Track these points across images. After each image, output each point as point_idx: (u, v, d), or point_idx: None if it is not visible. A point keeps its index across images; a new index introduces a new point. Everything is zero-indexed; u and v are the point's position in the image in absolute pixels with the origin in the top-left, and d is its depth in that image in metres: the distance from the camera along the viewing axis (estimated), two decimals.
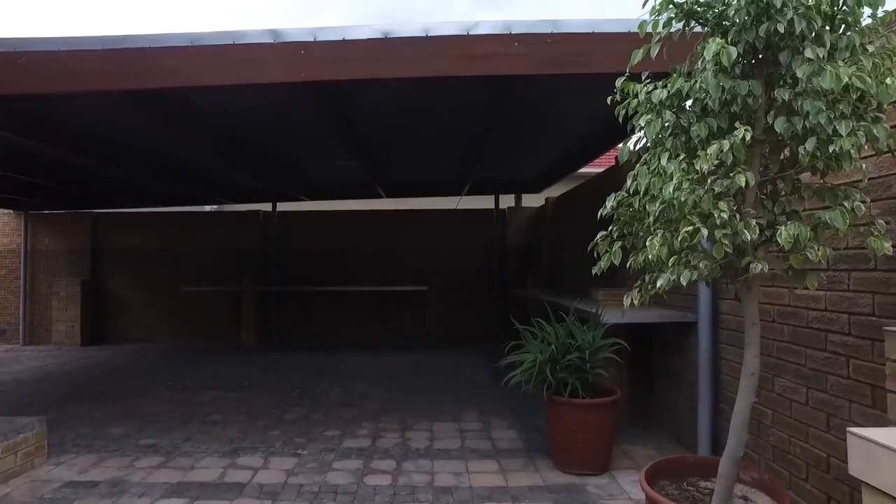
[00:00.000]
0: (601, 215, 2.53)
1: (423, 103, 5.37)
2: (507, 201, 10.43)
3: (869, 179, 2.36)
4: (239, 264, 10.29)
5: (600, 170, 7.38)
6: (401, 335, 10.13)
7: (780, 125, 2.00)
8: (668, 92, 2.19)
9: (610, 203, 2.47)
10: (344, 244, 10.30)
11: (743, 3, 2.01)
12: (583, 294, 5.64)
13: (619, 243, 2.43)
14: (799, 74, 1.92)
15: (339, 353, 8.84)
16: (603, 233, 2.50)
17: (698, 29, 2.33)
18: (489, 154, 7.25)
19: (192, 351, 9.27)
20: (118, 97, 4.58)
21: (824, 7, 1.98)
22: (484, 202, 10.57)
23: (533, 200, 10.43)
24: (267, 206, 10.45)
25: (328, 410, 5.47)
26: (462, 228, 10.20)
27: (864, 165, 2.13)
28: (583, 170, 8.62)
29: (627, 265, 2.45)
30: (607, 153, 7.57)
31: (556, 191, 9.36)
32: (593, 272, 2.47)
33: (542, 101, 5.24)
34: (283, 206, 10.52)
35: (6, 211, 10.73)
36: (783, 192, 2.22)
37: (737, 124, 2.00)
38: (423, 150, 7.36)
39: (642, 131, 2.28)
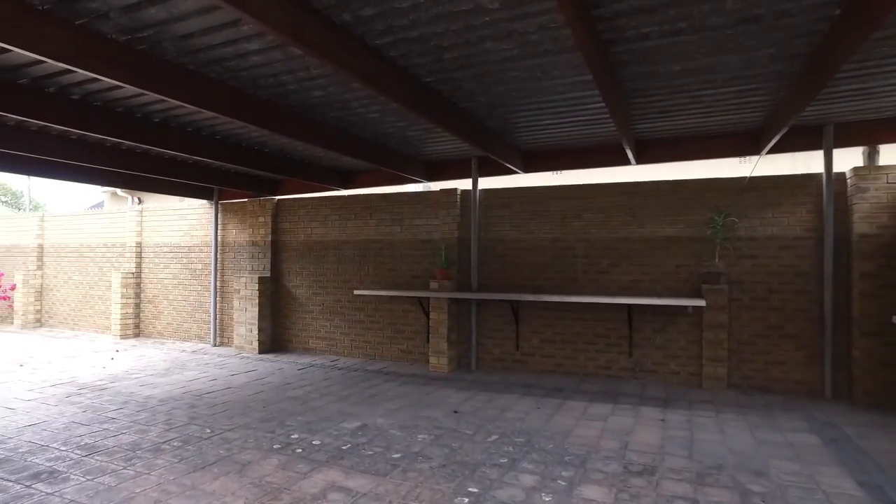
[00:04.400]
0: None
1: None
2: (843, 160, 6.44)
3: None
4: (429, 261, 8.11)
5: None
6: (659, 374, 6.85)
7: None
8: None
9: None
10: (572, 234, 7.40)
11: None
12: None
13: None
14: None
15: (561, 401, 5.97)
16: None
17: None
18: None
19: (364, 375, 7.29)
20: None
21: None
22: (788, 164, 6.71)
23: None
24: (465, 183, 8.08)
25: None
26: (760, 207, 6.50)
27: None
28: None
29: None
30: None
31: None
32: None
33: None
34: (486, 182, 8.03)
35: (202, 202, 10.26)
36: None
37: None
38: (706, 76, 4.14)
39: None
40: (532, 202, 7.64)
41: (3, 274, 12.92)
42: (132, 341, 10.29)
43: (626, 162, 7.02)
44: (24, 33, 3.24)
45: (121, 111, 5.41)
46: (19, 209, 39.09)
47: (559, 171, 11.79)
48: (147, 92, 4.15)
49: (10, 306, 12.85)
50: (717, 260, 6.53)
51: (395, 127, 6.19)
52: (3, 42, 3.17)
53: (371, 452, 4.32)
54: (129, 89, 4.77)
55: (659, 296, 6.75)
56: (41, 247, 12.69)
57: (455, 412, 5.49)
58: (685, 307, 6.60)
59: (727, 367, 6.43)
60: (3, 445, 4.53)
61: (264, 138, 6.68)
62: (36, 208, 39.33)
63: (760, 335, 6.41)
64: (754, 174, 6.55)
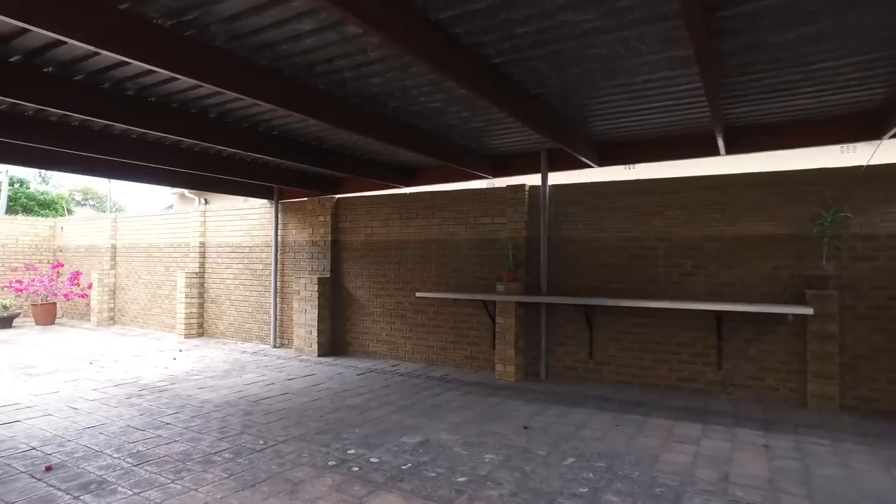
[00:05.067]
0: None
1: None
2: None
3: None
4: (495, 262, 7.65)
5: None
6: (753, 389, 6.12)
7: None
8: None
9: None
10: (652, 232, 6.76)
11: None
12: None
13: None
14: None
15: (642, 418, 5.38)
16: None
17: None
18: None
19: (426, 383, 6.92)
20: None
21: None
22: None
23: None
24: (532, 179, 7.58)
25: None
26: (882, 201, 5.66)
27: None
28: None
29: None
30: None
31: None
32: None
33: None
34: (555, 178, 7.50)
35: (263, 201, 10.23)
36: None
37: None
38: (827, 44, 3.48)
39: None
40: (607, 198, 7.05)
41: (81, 273, 13.47)
42: (195, 341, 10.39)
43: (713, 152, 6.34)
44: (66, 19, 3.04)
45: (175, 106, 5.27)
46: (104, 212, 41.45)
47: (631, 166, 11.14)
48: (202, 84, 3.93)
49: (88, 304, 13.36)
50: (824, 262, 5.75)
51: (458, 118, 5.79)
52: (44, 28, 2.98)
53: (433, 474, 3.92)
54: (182, 82, 4.60)
55: (752, 301, 6.02)
56: (114, 247, 13.12)
57: (525, 428, 5.02)
58: (784, 315, 5.85)
59: (839, 386, 5.63)
60: (62, 449, 4.44)
61: (322, 133, 6.43)
62: (118, 210, 41.58)
63: (883, 350, 5.57)
64: (871, 162, 5.73)
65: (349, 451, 4.37)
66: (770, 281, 6.09)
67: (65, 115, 5.42)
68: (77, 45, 3.39)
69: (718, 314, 6.10)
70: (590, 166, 7.05)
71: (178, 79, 4.40)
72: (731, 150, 6.24)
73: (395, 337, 8.58)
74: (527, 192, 7.55)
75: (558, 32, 3.75)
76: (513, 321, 7.17)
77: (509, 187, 7.64)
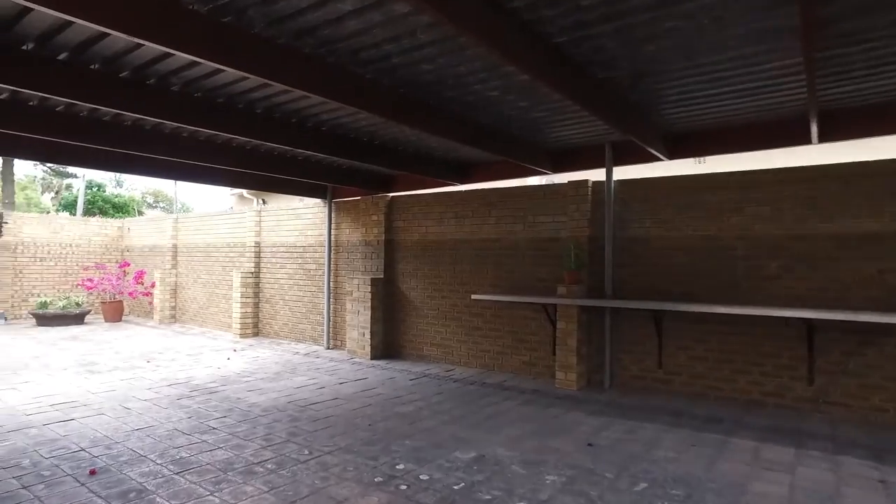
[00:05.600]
0: None
1: None
2: None
3: None
4: (555, 262, 7.22)
5: None
6: (854, 409, 5.44)
7: None
8: None
9: None
10: (730, 231, 6.16)
11: None
12: None
13: None
14: None
15: (722, 437, 4.83)
16: None
17: None
18: None
19: (482, 390, 6.57)
20: None
21: None
22: None
23: None
24: (595, 175, 7.09)
25: None
26: None
27: None
28: None
29: None
30: None
31: None
32: None
33: None
34: (620, 172, 6.98)
35: (316, 201, 10.16)
36: None
37: None
38: None
39: None
40: (678, 194, 6.49)
41: (145, 272, 13.90)
42: (250, 340, 10.44)
43: (802, 140, 5.69)
44: (99, 7, 2.88)
45: (222, 101, 5.13)
46: (171, 213, 43.31)
47: (700, 160, 10.41)
48: (245, 75, 3.74)
49: (151, 302, 13.76)
50: None
51: (517, 108, 5.40)
52: (83, 19, 2.82)
53: (488, 497, 3.56)
54: (227, 75, 4.43)
55: (852, 308, 5.35)
56: (175, 247, 13.45)
57: (590, 445, 4.59)
58: (882, 326, 5.16)
59: None
60: (109, 451, 4.37)
61: (373, 128, 6.19)
62: (185, 212, 43.33)
63: None
64: None
65: (398, 467, 4.08)
66: (873, 285, 5.39)
67: (118, 113, 5.40)
68: (119, 38, 3.27)
69: (810, 322, 5.45)
70: (659, 159, 6.50)
71: (222, 70, 4.24)
72: (824, 137, 5.58)
73: (449, 340, 8.27)
74: (590, 189, 7.06)
75: (629, 3, 3.31)
76: (575, 326, 6.71)
77: (571, 183, 7.18)
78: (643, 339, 6.61)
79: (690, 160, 9.44)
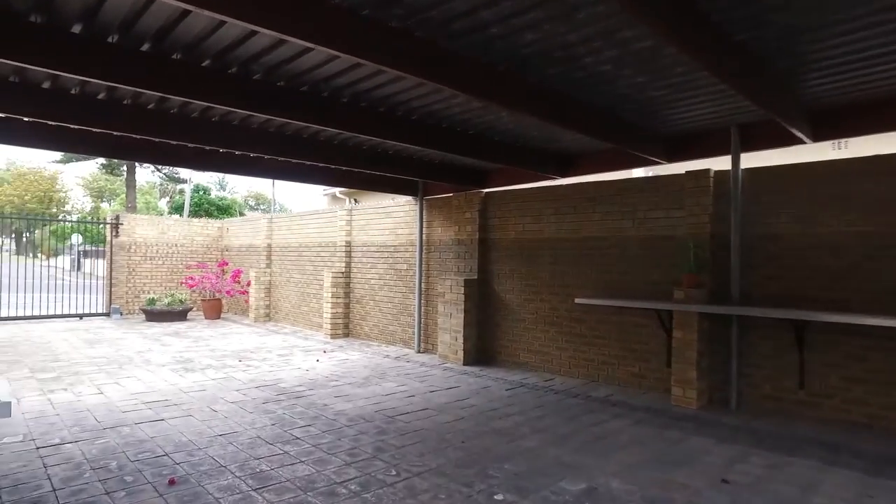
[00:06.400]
0: None
1: None
2: None
3: None
4: (670, 263, 6.42)
5: None
6: None
7: None
8: None
9: None
10: (894, 226, 5.13)
11: None
12: None
13: None
14: None
15: (873, 474, 3.92)
16: None
17: None
18: None
19: (587, 405, 5.90)
20: None
21: None
22: None
23: None
24: (717, 163, 6.21)
25: None
26: None
27: None
28: None
29: None
30: None
31: None
32: None
33: None
34: (750, 160, 6.07)
35: (407, 198, 9.87)
36: None
37: None
38: None
39: None
40: (823, 183, 5.51)
41: (241, 271, 14.31)
42: (340, 341, 10.32)
43: None
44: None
45: (306, 90, 4.85)
46: (268, 214, 45.47)
47: (840, 144, 9.09)
48: (327, 50, 3.39)
49: (247, 301, 14.14)
50: None
51: (632, 84, 4.72)
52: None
53: None
54: (309, 58, 4.14)
55: None
56: (269, 246, 13.72)
57: (725, 482, 3.85)
58: None
59: None
60: (190, 459, 4.19)
61: (467, 115, 5.72)
62: (283, 212, 45.29)
63: None
64: None
65: (496, 497, 3.56)
66: None
67: (209, 107, 5.31)
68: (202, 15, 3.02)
69: None
70: (800, 142, 5.54)
71: (309, 49, 3.93)
72: None
73: (548, 347, 7.65)
74: (712, 179, 6.21)
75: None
76: (694, 336, 5.90)
77: (689, 173, 6.34)
78: (779, 352, 5.68)
79: (826, 145, 8.22)
